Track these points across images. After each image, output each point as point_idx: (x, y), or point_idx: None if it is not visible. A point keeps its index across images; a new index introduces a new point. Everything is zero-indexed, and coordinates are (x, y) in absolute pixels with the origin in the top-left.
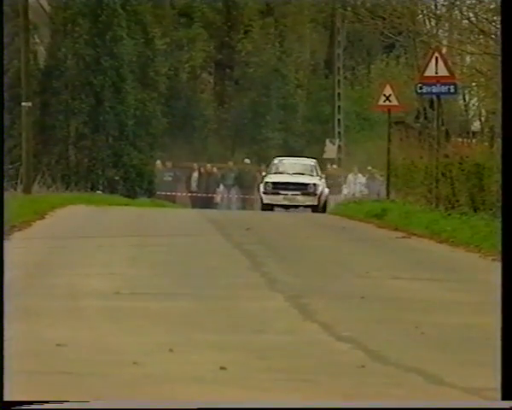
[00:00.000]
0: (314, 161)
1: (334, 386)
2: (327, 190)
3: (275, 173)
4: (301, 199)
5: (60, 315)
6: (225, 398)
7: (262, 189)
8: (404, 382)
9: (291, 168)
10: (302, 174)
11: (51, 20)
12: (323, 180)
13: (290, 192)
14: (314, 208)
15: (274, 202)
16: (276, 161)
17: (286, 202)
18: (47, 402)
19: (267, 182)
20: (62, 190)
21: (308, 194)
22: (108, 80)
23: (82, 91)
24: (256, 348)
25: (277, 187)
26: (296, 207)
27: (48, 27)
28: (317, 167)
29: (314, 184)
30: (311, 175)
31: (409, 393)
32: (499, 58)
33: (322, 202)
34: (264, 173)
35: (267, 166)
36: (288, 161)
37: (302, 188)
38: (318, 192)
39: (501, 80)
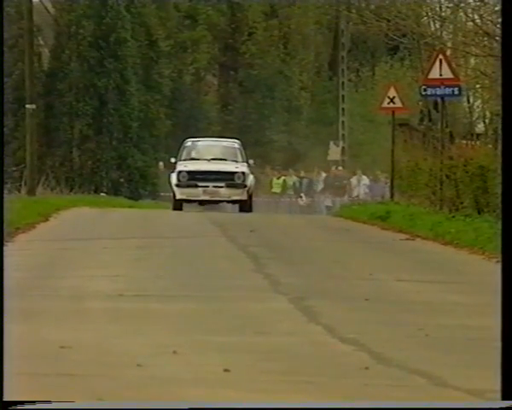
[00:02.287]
0: (237, 142)
1: (338, 388)
2: (253, 180)
3: (189, 160)
4: (226, 193)
5: (64, 317)
6: (229, 400)
7: (174, 180)
8: (407, 384)
9: (208, 152)
10: (224, 160)
11: (55, 22)
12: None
13: (211, 184)
14: (242, 205)
15: (191, 197)
16: (188, 143)
17: (206, 197)
18: (48, 402)
19: (181, 171)
20: (66, 192)
21: (235, 186)
22: (112, 82)
23: (86, 93)
24: (260, 350)
25: (195, 178)
26: (218, 202)
27: (52, 29)
28: (242, 151)
29: (243, 173)
30: (236, 161)
31: (412, 395)
32: None
33: (249, 196)
34: (173, 159)
35: (272, 168)
36: (204, 142)
37: (227, 178)
38: (248, 184)
39: (501, 81)
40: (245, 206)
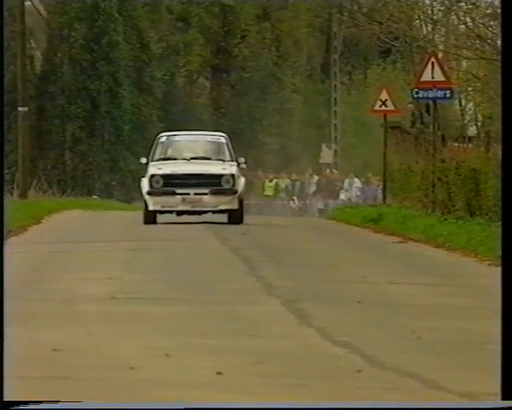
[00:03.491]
0: (224, 136)
1: (331, 391)
2: (243, 182)
3: (164, 160)
4: (211, 201)
5: (56, 320)
6: (222, 402)
7: (146, 186)
8: (400, 386)
9: (188, 150)
10: (208, 159)
11: (48, 25)
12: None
13: (193, 190)
14: (232, 215)
15: (167, 208)
16: (162, 138)
17: (186, 207)
18: (48, 402)
19: (154, 175)
20: (58, 195)
21: (223, 192)
22: (104, 85)
23: (78, 96)
24: (253, 352)
25: (171, 183)
26: (201, 213)
27: (44, 32)
28: (231, 147)
29: (232, 176)
30: (223, 160)
31: (405, 398)
32: (495, 63)
33: (240, 203)
34: (143, 160)
35: (264, 171)
36: (182, 137)
37: (212, 182)
38: (239, 188)
39: (501, 83)
40: (235, 216)
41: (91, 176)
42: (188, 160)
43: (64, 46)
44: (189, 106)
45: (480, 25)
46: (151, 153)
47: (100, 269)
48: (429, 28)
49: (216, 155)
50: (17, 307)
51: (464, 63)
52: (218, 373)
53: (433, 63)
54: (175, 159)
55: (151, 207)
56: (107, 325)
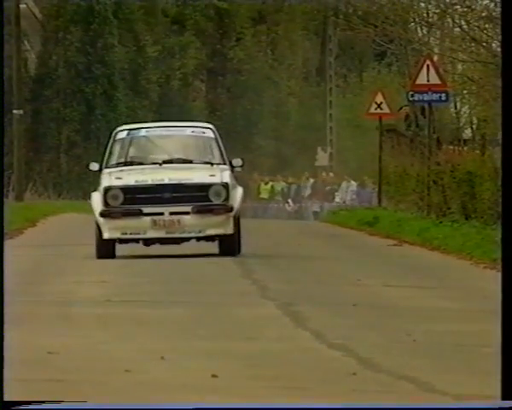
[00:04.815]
0: (211, 127)
1: (326, 393)
2: (240, 194)
3: (124, 165)
4: (195, 223)
5: (51, 323)
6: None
7: (98, 205)
8: (395, 389)
9: (160, 150)
10: (188, 162)
11: (43, 28)
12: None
13: (168, 209)
14: (226, 243)
15: (131, 235)
16: (122, 133)
17: (159, 234)
18: (49, 402)
19: (110, 188)
20: (54, 198)
21: (212, 210)
22: (100, 88)
23: (73, 99)
24: (248, 355)
25: (136, 198)
26: (181, 241)
27: (39, 35)
28: (220, 144)
29: (225, 186)
30: (210, 163)
31: (400, 400)
32: (490, 66)
33: (237, 225)
34: (95, 166)
35: (259, 173)
36: (151, 132)
37: (197, 196)
38: (235, 204)
39: (501, 84)
40: (230, 244)
41: (87, 179)
42: (159, 164)
43: (59, 49)
44: (185, 109)
45: (475, 28)
46: (105, 156)
47: (95, 272)
48: (424, 31)
49: (200, 155)
50: (11, 310)
51: (459, 66)
52: (214, 376)
53: (428, 66)
54: (140, 163)
55: (107, 235)
56: (102, 327)
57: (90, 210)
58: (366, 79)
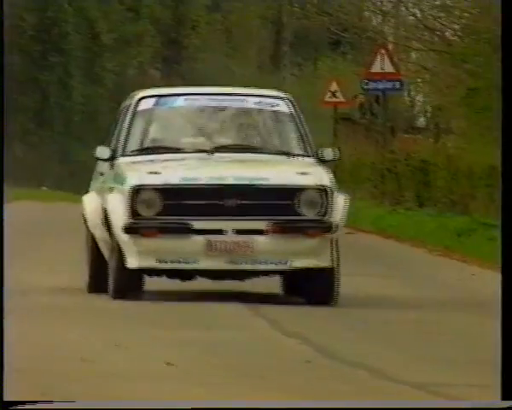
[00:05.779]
0: (287, 97)
1: (281, 382)
2: (343, 205)
3: (151, 152)
4: (275, 249)
5: (5, 312)
6: (173, 396)
7: (119, 214)
8: (351, 378)
9: (209, 129)
10: (253, 152)
11: None
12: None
13: (233, 224)
14: (322, 281)
15: (171, 264)
16: (147, 102)
17: (219, 265)
18: (49, 402)
19: (142, 188)
20: (9, 186)
21: (302, 228)
22: (55, 76)
23: (28, 87)
24: (206, 343)
25: (180, 206)
26: (247, 277)
27: None
28: (302, 122)
29: (323, 191)
30: (287, 153)
31: (356, 389)
32: (444, 55)
33: (337, 254)
34: (105, 152)
35: None
36: (191, 102)
37: (277, 206)
38: (337, 219)
39: (501, 81)
40: (327, 285)
41: (41, 167)
42: (208, 152)
43: (13, 37)
44: None
45: (429, 16)
46: (120, 136)
47: (48, 261)
48: (379, 20)
49: (272, 140)
50: None
51: (413, 55)
52: (168, 364)
53: (382, 54)
54: (178, 150)
55: (134, 263)
56: (58, 317)
57: (45, 198)
58: (321, 68)
